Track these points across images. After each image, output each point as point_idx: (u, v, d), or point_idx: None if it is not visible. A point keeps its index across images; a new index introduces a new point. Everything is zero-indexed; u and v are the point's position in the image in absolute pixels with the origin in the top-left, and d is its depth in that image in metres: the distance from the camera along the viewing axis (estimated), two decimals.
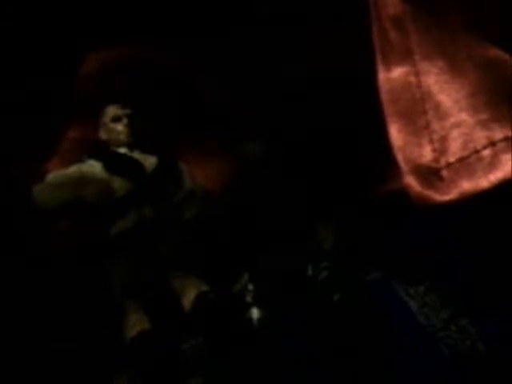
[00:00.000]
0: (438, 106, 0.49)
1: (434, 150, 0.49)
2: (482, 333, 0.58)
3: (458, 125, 0.48)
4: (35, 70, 0.86)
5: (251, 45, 0.85)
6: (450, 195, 0.47)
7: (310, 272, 0.67)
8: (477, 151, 0.47)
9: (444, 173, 0.48)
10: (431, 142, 0.49)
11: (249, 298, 0.68)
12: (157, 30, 0.87)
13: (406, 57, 0.51)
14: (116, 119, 0.87)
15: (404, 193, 0.50)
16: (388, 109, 0.51)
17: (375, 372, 0.60)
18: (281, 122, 0.85)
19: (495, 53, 0.49)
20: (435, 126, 0.49)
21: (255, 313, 0.67)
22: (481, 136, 0.48)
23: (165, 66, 0.93)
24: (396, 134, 0.50)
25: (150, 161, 0.85)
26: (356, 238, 0.66)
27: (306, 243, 0.69)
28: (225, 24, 0.86)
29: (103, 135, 0.87)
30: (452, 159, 0.48)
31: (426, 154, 0.49)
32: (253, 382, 0.64)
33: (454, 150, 0.48)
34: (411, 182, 0.49)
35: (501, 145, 0.47)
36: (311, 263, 0.67)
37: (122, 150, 0.86)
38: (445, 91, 0.49)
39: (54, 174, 0.82)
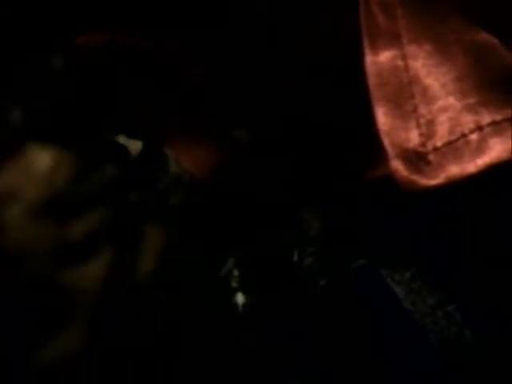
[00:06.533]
0: (425, 90, 0.49)
1: (421, 135, 0.48)
2: (469, 319, 0.58)
3: (445, 109, 0.48)
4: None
5: (242, 33, 0.84)
6: (437, 180, 0.47)
7: (295, 258, 0.66)
8: (464, 135, 0.47)
9: (431, 157, 0.48)
10: (418, 126, 0.49)
11: (234, 284, 0.68)
12: (148, 17, 0.87)
13: (393, 40, 0.50)
14: None
15: (391, 178, 0.49)
16: (375, 93, 0.50)
17: (361, 358, 0.60)
18: (269, 109, 0.85)
19: (484, 37, 0.49)
20: (422, 110, 0.49)
21: (240, 298, 0.67)
22: (468, 120, 0.47)
23: (153, 53, 0.92)
24: (383, 118, 0.50)
25: (134, 146, 0.84)
26: (342, 224, 0.66)
27: (291, 229, 0.69)
28: (216, 12, 0.85)
29: None
30: (439, 143, 0.48)
31: (413, 139, 0.49)
32: (238, 367, 0.64)
33: (441, 134, 0.48)
34: (398, 166, 0.49)
35: (488, 129, 0.47)
36: (297, 249, 0.66)
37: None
38: (432, 75, 0.49)
39: None
